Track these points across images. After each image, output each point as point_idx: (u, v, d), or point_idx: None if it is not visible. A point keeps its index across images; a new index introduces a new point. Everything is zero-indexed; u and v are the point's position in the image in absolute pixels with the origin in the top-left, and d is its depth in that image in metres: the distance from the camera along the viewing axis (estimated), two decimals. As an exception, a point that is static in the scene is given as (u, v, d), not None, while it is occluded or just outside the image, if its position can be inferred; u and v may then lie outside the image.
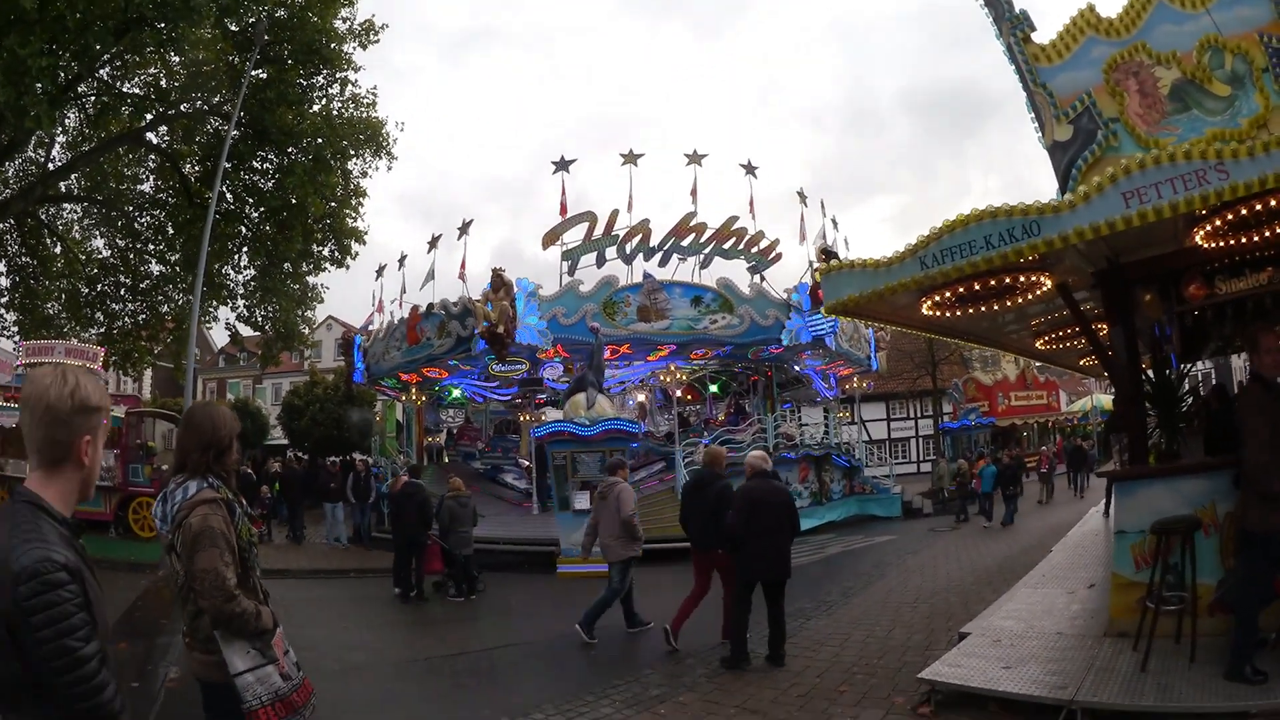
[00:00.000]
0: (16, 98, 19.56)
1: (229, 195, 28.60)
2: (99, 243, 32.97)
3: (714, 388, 40.60)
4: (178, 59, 26.59)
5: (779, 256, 31.38)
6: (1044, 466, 37.03)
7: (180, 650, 8.95)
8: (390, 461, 33.65)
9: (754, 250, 30.62)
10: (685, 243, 29.24)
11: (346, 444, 47.85)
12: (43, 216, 31.02)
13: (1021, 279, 9.72)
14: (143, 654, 11.73)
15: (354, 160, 29.85)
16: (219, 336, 50.49)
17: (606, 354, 27.66)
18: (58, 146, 29.75)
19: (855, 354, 33.48)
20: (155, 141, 29.55)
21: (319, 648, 12.50)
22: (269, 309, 31.29)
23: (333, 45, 27.04)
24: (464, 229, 30.28)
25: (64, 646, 2.65)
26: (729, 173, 32.33)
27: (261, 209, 29.00)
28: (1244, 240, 8.82)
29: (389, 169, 32.74)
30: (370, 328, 36.02)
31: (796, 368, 33.87)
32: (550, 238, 28.37)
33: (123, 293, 32.55)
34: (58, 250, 31.73)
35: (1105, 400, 47.13)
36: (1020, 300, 10.56)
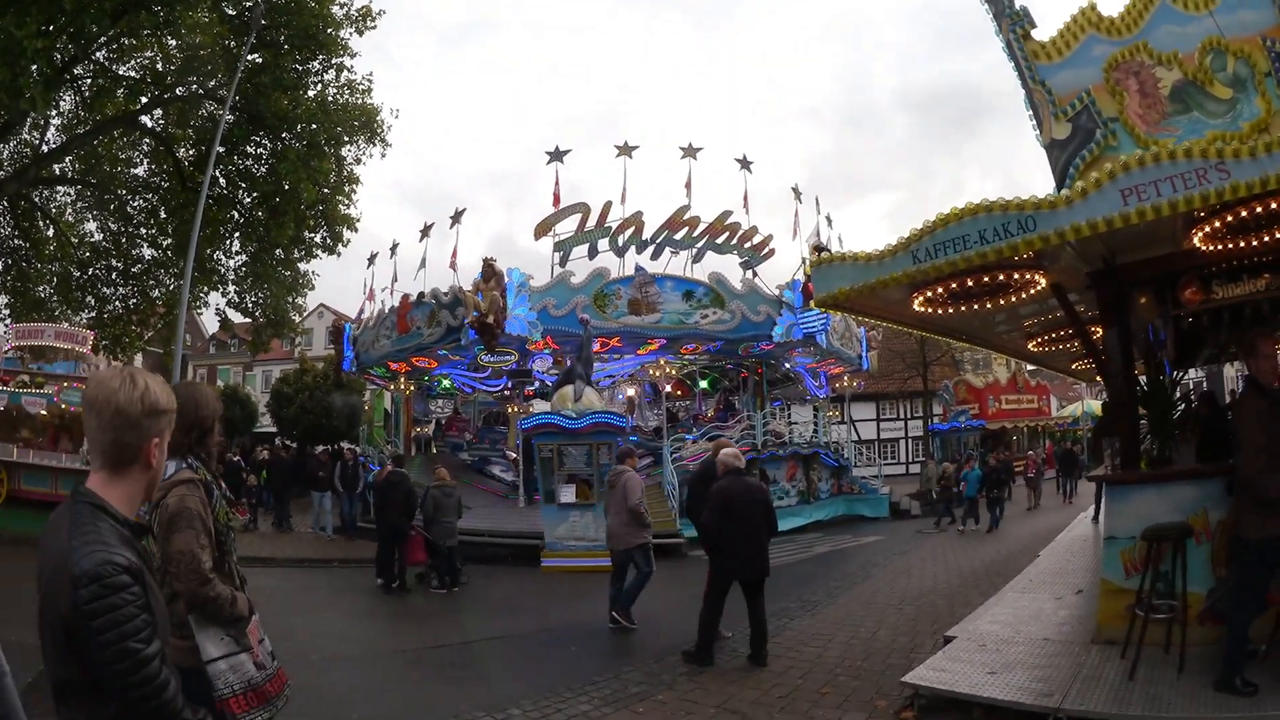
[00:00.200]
0: (12, 79, 19.53)
1: (222, 180, 28.89)
2: (91, 226, 33.04)
3: (704, 383, 40.42)
4: (174, 42, 26.73)
5: (772, 252, 31.24)
6: (1031, 471, 36.91)
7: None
8: (378, 451, 33.57)
9: (747, 245, 30.46)
10: (678, 236, 29.09)
11: (335, 433, 47.70)
12: (36, 199, 31.04)
13: (1015, 277, 9.58)
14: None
15: (348, 147, 30.07)
16: (210, 323, 50.51)
17: (596, 347, 27.63)
18: (52, 129, 29.83)
19: (846, 353, 33.40)
20: (150, 125, 29.72)
21: (298, 637, 12.47)
22: (260, 295, 31.47)
23: (329, 30, 27.17)
24: (456, 218, 30.14)
25: (126, 649, 2.63)
26: (724, 167, 32.32)
27: (254, 194, 29.13)
28: (1243, 244, 8.69)
29: (383, 156, 32.86)
30: (361, 316, 35.89)
31: (787, 365, 33.78)
32: (543, 228, 28.22)
33: (114, 277, 32.83)
34: (50, 233, 31.73)
35: (1096, 405, 47.06)
36: (1014, 299, 10.41)
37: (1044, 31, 10.38)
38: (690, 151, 30.02)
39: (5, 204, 30.00)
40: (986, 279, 9.42)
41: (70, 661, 2.67)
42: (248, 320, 33.90)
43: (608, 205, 28.41)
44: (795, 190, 31.69)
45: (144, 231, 32.05)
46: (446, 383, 38.08)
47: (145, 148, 31.17)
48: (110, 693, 2.66)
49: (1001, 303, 10.53)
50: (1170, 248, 9.42)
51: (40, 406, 26.99)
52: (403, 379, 35.35)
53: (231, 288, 31.57)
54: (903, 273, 8.69)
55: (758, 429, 29.52)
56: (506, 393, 37.45)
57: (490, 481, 31.49)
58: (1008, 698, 7.42)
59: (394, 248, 34.93)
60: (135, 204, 31.76)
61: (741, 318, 28.35)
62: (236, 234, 30.63)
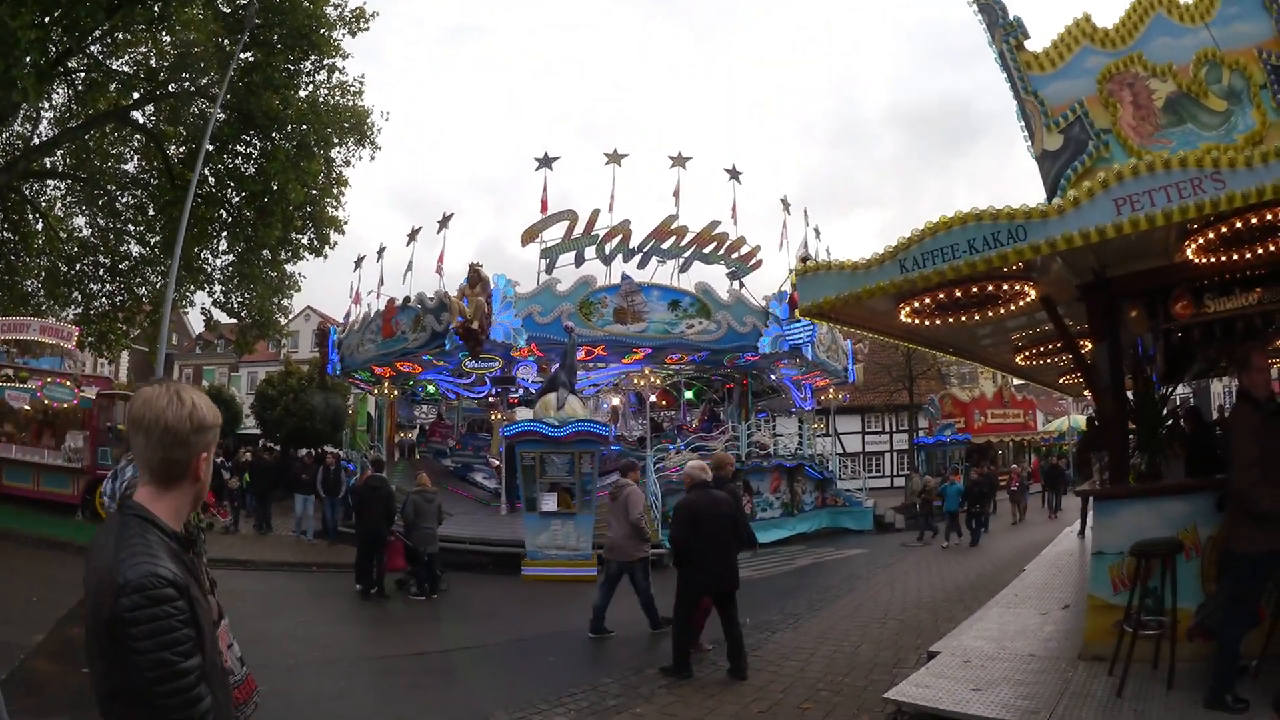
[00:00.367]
0: (5, 69, 19.48)
1: (210, 178, 28.81)
2: (80, 221, 32.89)
3: (689, 394, 40.40)
4: (169, 38, 26.67)
5: (759, 263, 31.27)
6: (1014, 485, 36.79)
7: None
8: (361, 455, 33.45)
9: (734, 256, 30.48)
10: (665, 245, 29.13)
11: (319, 436, 47.57)
12: (26, 192, 30.85)
13: (1005, 288, 9.49)
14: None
15: (337, 148, 30.00)
16: (196, 322, 50.41)
17: (581, 355, 27.53)
18: (45, 122, 29.66)
19: (832, 365, 33.36)
20: (141, 121, 29.58)
21: (273, 642, 12.30)
22: (245, 295, 31.32)
23: (322, 31, 27.10)
24: (444, 223, 30.11)
25: (162, 659, 2.61)
26: (713, 177, 32.23)
27: (242, 194, 29.00)
28: (1236, 257, 8.63)
29: (372, 159, 32.83)
30: (347, 319, 35.82)
31: (773, 376, 33.75)
32: (529, 235, 28.15)
33: (101, 273, 32.69)
34: (39, 227, 31.49)
35: (1082, 420, 47.14)
36: (1002, 311, 10.33)
37: (1037, 43, 10.33)
38: (679, 161, 29.97)
39: (-4, 196, 29.81)
40: (975, 290, 9.35)
41: (113, 672, 2.64)
42: (233, 321, 33.77)
43: (595, 213, 28.39)
44: (784, 201, 31.71)
45: (132, 228, 31.92)
46: (431, 388, 38.01)
47: (136, 144, 30.96)
48: (142, 703, 2.63)
49: (990, 315, 10.47)
50: (1162, 260, 9.35)
51: (24, 401, 26.80)
52: (386, 383, 35.11)
53: (218, 287, 31.45)
54: (889, 282, 8.55)
55: (742, 440, 29.42)
56: (491, 399, 37.36)
57: (473, 488, 31.39)
58: (993, 715, 7.27)
59: (381, 251, 34.98)
60: (124, 200, 31.60)
61: (727, 328, 28.27)
62: (224, 233, 30.48)
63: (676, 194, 30.03)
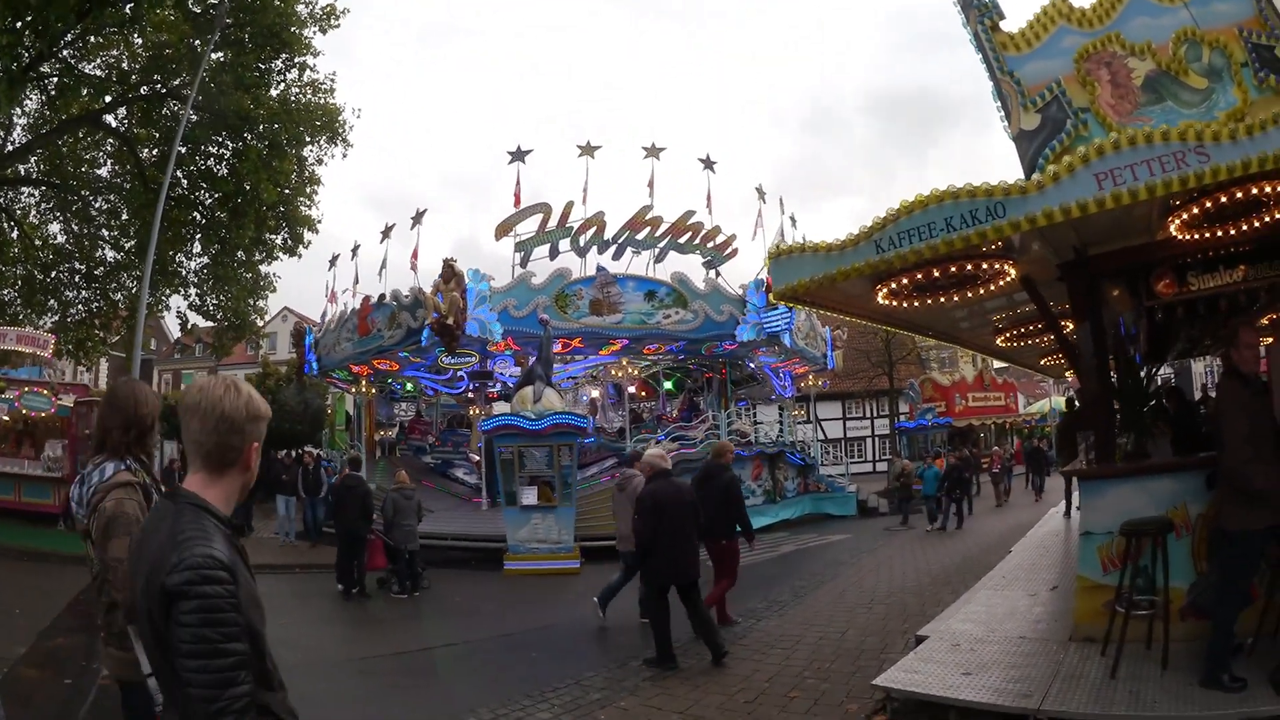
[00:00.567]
0: (-24, 77, 19.26)
1: (183, 180, 28.76)
2: (55, 228, 32.70)
3: (668, 384, 40.35)
4: (140, 40, 26.56)
5: (735, 252, 31.17)
6: (995, 467, 36.74)
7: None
8: (340, 454, 33.30)
9: (710, 245, 30.35)
10: (640, 236, 28.99)
11: (298, 436, 47.38)
12: (0, 200, 30.56)
13: (984, 267, 9.39)
14: (82, 650, 11.35)
15: (309, 147, 30.01)
16: (174, 327, 50.24)
17: (558, 348, 27.42)
18: (17, 129, 29.45)
19: (811, 352, 33.27)
20: (114, 124, 29.46)
21: None
22: (221, 297, 31.30)
23: (293, 29, 27.02)
24: (417, 219, 29.83)
25: (204, 635, 2.67)
26: (688, 168, 32.24)
27: (215, 195, 28.87)
28: (1220, 233, 8.58)
29: (344, 156, 32.74)
30: (324, 318, 35.64)
31: (751, 365, 33.63)
32: (503, 229, 27.94)
33: (77, 280, 32.62)
34: (14, 235, 31.23)
35: (1063, 402, 47.29)
36: (982, 291, 10.25)
37: (1013, 23, 10.23)
38: (653, 151, 29.81)
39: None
40: (954, 270, 9.24)
41: (163, 650, 2.77)
42: (210, 324, 33.67)
43: (569, 205, 28.18)
44: (759, 190, 31.47)
45: (106, 233, 31.87)
46: (410, 385, 37.87)
47: (109, 148, 30.86)
48: (183, 680, 2.68)
49: (969, 295, 10.39)
50: (1145, 238, 9.30)
51: (2, 412, 26.61)
52: (364, 382, 34.96)
53: (193, 290, 31.38)
54: (865, 263, 8.45)
55: (722, 429, 29.28)
56: (469, 395, 37.22)
57: (453, 484, 31.29)
58: (985, 699, 7.19)
59: (355, 249, 34.78)
60: (98, 205, 31.54)
61: (704, 317, 28.12)
62: (197, 235, 30.39)
63: (651, 185, 29.88)
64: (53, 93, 27.03)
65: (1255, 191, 7.50)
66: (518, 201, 28.29)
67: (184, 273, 31.09)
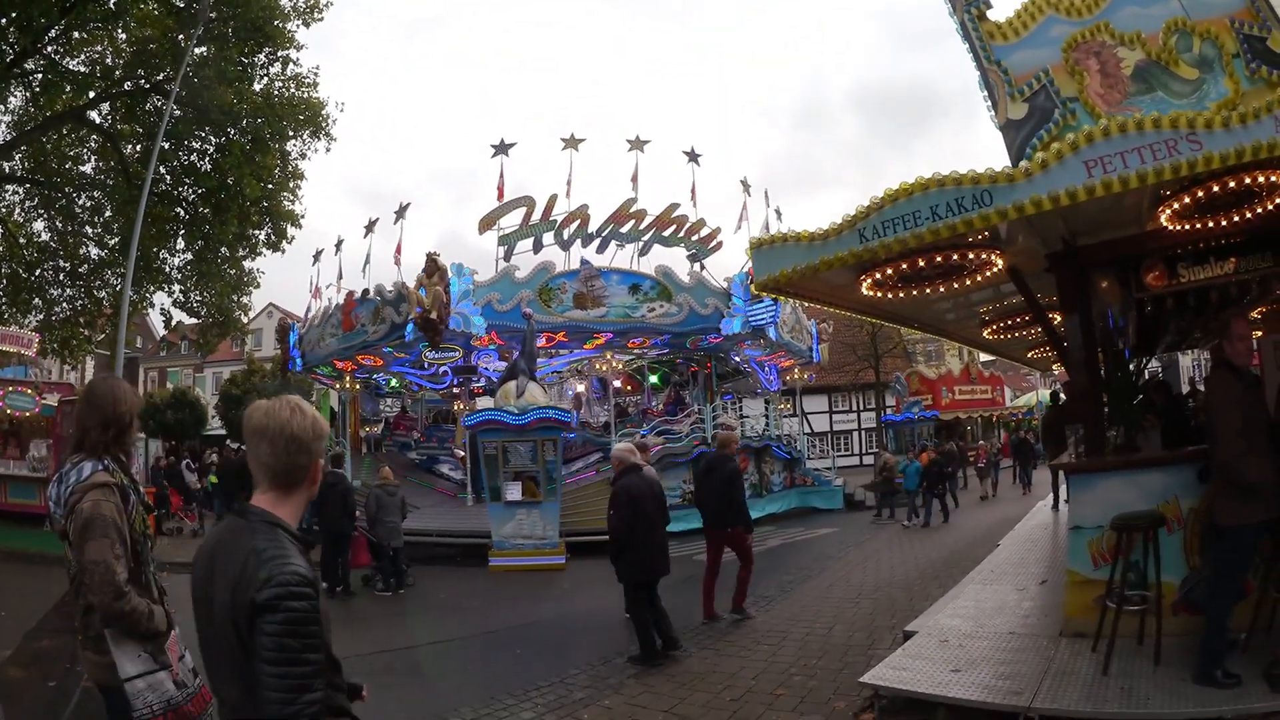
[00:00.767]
0: (-41, 73, 19.17)
1: (166, 176, 28.73)
2: (39, 226, 32.56)
3: (653, 378, 40.23)
4: (124, 35, 26.50)
5: (720, 245, 31.08)
6: (981, 460, 36.69)
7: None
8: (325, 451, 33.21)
9: (694, 238, 30.29)
10: (624, 229, 28.94)
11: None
12: (-15, 198, 30.51)
13: (971, 257, 9.27)
14: (68, 652, 11.30)
15: (292, 141, 29.93)
16: (159, 325, 50.20)
17: (542, 342, 27.35)
18: (1, 126, 29.30)
19: (797, 345, 33.21)
20: (98, 121, 29.35)
21: None
22: (205, 294, 31.25)
23: (276, 22, 27.04)
24: (400, 213, 29.71)
25: (287, 645, 2.82)
26: (673, 161, 32.32)
27: (198, 190, 28.95)
28: (1211, 224, 8.52)
29: (328, 150, 32.58)
30: (308, 314, 35.54)
31: (736, 358, 33.57)
32: (486, 223, 27.86)
33: (61, 278, 32.46)
34: (-1, 233, 31.12)
35: (1048, 396, 47.35)
36: (969, 282, 10.13)
37: (1000, 12, 10.16)
38: (637, 144, 29.71)
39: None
40: (940, 259, 9.12)
41: (244, 661, 2.89)
42: (195, 321, 33.63)
43: (553, 198, 28.13)
44: (744, 183, 31.43)
45: (90, 231, 31.77)
46: (395, 381, 37.77)
47: (93, 144, 30.77)
48: (263, 686, 2.83)
49: (956, 286, 10.28)
50: (1134, 228, 9.24)
51: (-13, 412, 26.49)
52: (349, 378, 34.92)
53: (176, 287, 31.27)
54: (849, 252, 8.31)
55: (707, 422, 29.21)
56: (454, 390, 37.14)
57: (439, 480, 31.20)
58: (974, 697, 7.09)
59: (339, 244, 34.70)
60: (82, 202, 31.42)
61: (689, 311, 28.01)
62: (181, 231, 30.28)
63: (635, 178, 29.77)
64: (37, 89, 26.98)
65: (1248, 181, 7.42)
66: (501, 195, 28.24)
67: (168, 269, 30.96)
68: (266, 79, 28.46)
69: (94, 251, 31.93)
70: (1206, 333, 15.01)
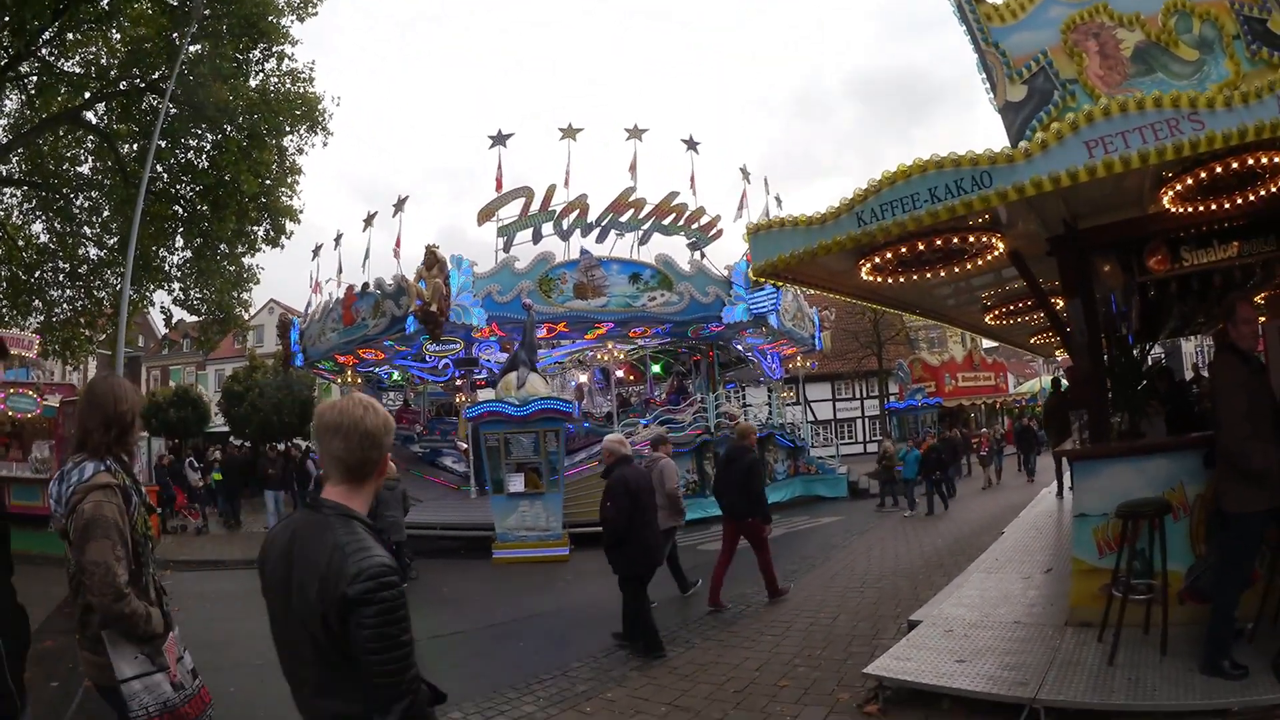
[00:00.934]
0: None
1: (164, 174, 28.65)
2: (38, 227, 32.49)
3: (656, 368, 40.19)
4: (118, 35, 26.42)
5: (720, 233, 31.04)
6: (984, 448, 36.56)
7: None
8: (327, 446, 33.21)
9: (694, 226, 30.24)
10: (624, 218, 28.87)
11: (288, 429, 47.31)
12: (-19, 201, 30.45)
13: (971, 240, 9.18)
14: (71, 652, 11.25)
15: (289, 137, 29.79)
16: (161, 323, 50.30)
17: (543, 332, 27.30)
18: (-1, 130, 29.20)
19: (799, 333, 33.17)
20: (94, 121, 29.21)
21: (243, 643, 11.87)
22: (205, 291, 31.16)
23: (270, 18, 26.94)
24: (399, 206, 29.69)
25: (386, 633, 3.00)
26: (672, 150, 32.18)
27: (196, 187, 28.86)
28: (1214, 207, 8.45)
29: (325, 145, 32.60)
30: (308, 309, 35.53)
31: (739, 347, 33.52)
32: (485, 214, 27.79)
33: (61, 278, 32.34)
34: (-2, 236, 31.07)
35: (1050, 382, 47.28)
36: (969, 266, 10.06)
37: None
38: (635, 133, 29.64)
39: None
40: (939, 243, 9.05)
41: (337, 648, 3.07)
42: (196, 318, 33.57)
43: (551, 189, 28.06)
44: (743, 171, 31.38)
45: (88, 231, 31.66)
46: (397, 375, 37.72)
47: (89, 145, 30.66)
48: (366, 682, 3.06)
49: (957, 270, 10.22)
50: (1136, 211, 9.17)
51: (-12, 415, 26.42)
52: (350, 372, 34.89)
53: (176, 285, 31.22)
54: (847, 236, 8.20)
55: (710, 412, 29.17)
56: (456, 383, 37.12)
57: (442, 473, 31.25)
58: (979, 688, 7.01)
59: (338, 239, 34.72)
60: (79, 203, 31.31)
61: (690, 299, 28.03)
62: (179, 229, 30.23)
63: (633, 168, 29.75)
64: (32, 92, 26.92)
65: (1250, 162, 7.33)
66: (499, 186, 28.21)
67: (167, 267, 30.91)
68: (262, 75, 28.36)
69: (93, 251, 31.86)
70: (1210, 318, 14.94)
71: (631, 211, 28.87)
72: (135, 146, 28.36)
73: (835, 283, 11.53)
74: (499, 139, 28.28)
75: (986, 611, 9.64)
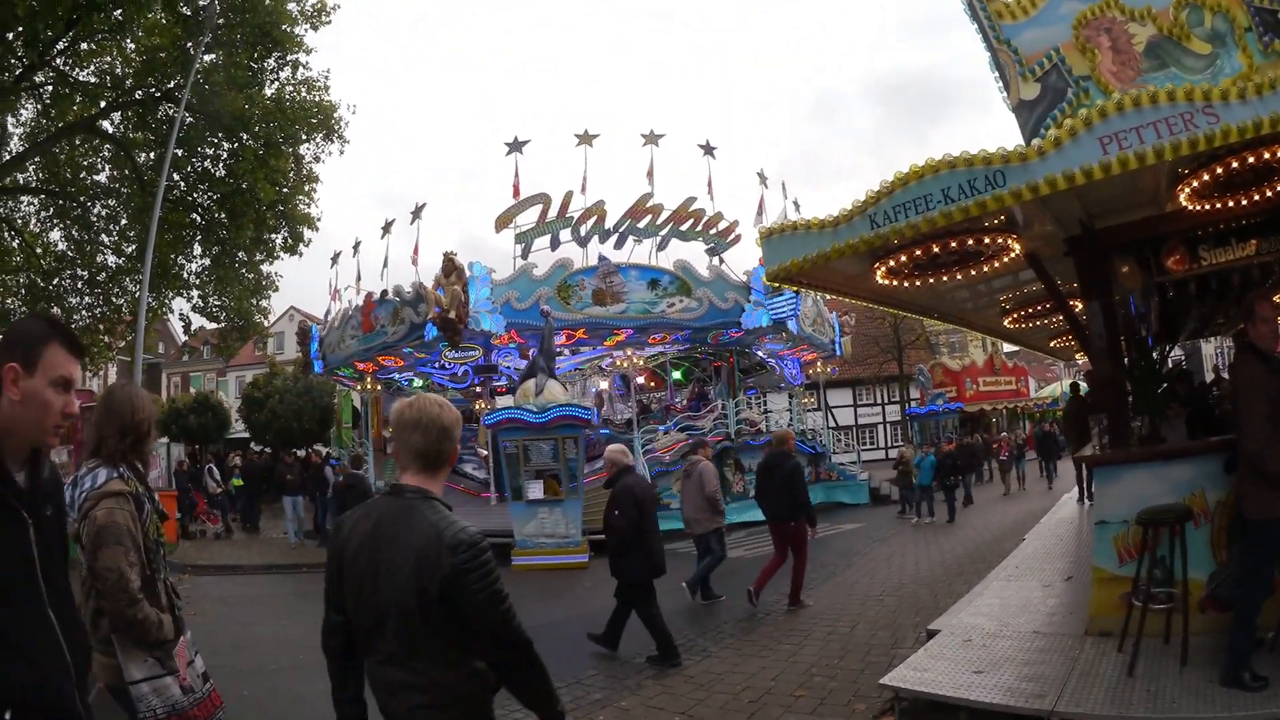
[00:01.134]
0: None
1: (181, 183, 28.80)
2: (56, 235, 32.62)
3: (677, 374, 40.15)
4: (132, 45, 26.49)
5: (738, 238, 30.96)
6: (1004, 453, 36.29)
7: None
8: (347, 452, 33.26)
9: (712, 232, 30.17)
10: (641, 224, 28.87)
11: (308, 435, 47.46)
12: (0, 210, 30.46)
13: (986, 242, 9.02)
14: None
15: (306, 145, 29.90)
16: (181, 330, 50.48)
17: (562, 339, 27.28)
18: (14, 138, 29.28)
19: (819, 338, 33.07)
20: (110, 130, 29.32)
21: (258, 646, 12.20)
22: (224, 298, 31.37)
23: (284, 27, 27.04)
24: (416, 213, 29.70)
25: (496, 592, 3.51)
26: (689, 155, 32.07)
27: (213, 196, 28.91)
28: (1231, 204, 8.29)
29: (341, 153, 32.55)
30: (327, 316, 35.62)
31: (759, 352, 33.45)
32: (503, 221, 27.82)
33: (79, 286, 32.45)
34: (15, 244, 31.13)
35: (1069, 386, 47.05)
36: (986, 268, 9.91)
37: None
38: (652, 138, 29.64)
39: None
40: (955, 245, 8.89)
41: (436, 617, 3.45)
42: (215, 325, 33.78)
43: (569, 195, 28.09)
44: (760, 175, 31.42)
45: (106, 239, 31.79)
46: (419, 382, 37.73)
47: (106, 154, 30.78)
48: (484, 635, 3.59)
49: (973, 272, 10.07)
50: (1153, 209, 9.04)
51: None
52: (370, 379, 35.03)
53: (195, 292, 31.38)
54: (860, 239, 8.04)
55: (730, 418, 29.08)
56: (476, 390, 37.12)
57: (462, 479, 31.14)
58: (996, 700, 6.87)
59: (356, 246, 34.77)
60: (97, 211, 31.45)
61: (709, 305, 27.97)
62: (197, 237, 30.37)
63: (650, 173, 29.73)
64: (48, 101, 26.99)
65: (1267, 157, 7.18)
66: (516, 193, 28.24)
67: (186, 275, 31.02)
68: (277, 83, 28.47)
69: (111, 259, 31.96)
70: (1229, 318, 14.80)
71: (649, 217, 28.86)
72: (152, 155, 28.53)
73: (851, 287, 11.39)
74: (515, 145, 28.28)
75: (1006, 620, 9.50)
